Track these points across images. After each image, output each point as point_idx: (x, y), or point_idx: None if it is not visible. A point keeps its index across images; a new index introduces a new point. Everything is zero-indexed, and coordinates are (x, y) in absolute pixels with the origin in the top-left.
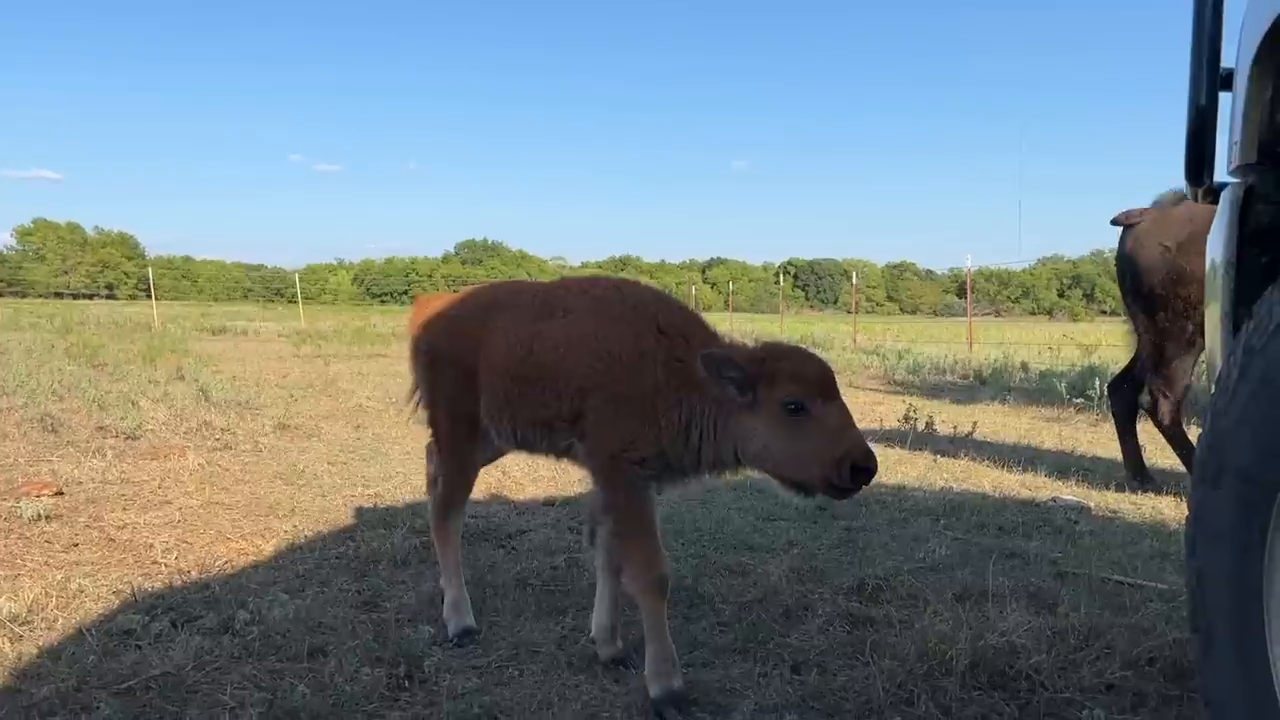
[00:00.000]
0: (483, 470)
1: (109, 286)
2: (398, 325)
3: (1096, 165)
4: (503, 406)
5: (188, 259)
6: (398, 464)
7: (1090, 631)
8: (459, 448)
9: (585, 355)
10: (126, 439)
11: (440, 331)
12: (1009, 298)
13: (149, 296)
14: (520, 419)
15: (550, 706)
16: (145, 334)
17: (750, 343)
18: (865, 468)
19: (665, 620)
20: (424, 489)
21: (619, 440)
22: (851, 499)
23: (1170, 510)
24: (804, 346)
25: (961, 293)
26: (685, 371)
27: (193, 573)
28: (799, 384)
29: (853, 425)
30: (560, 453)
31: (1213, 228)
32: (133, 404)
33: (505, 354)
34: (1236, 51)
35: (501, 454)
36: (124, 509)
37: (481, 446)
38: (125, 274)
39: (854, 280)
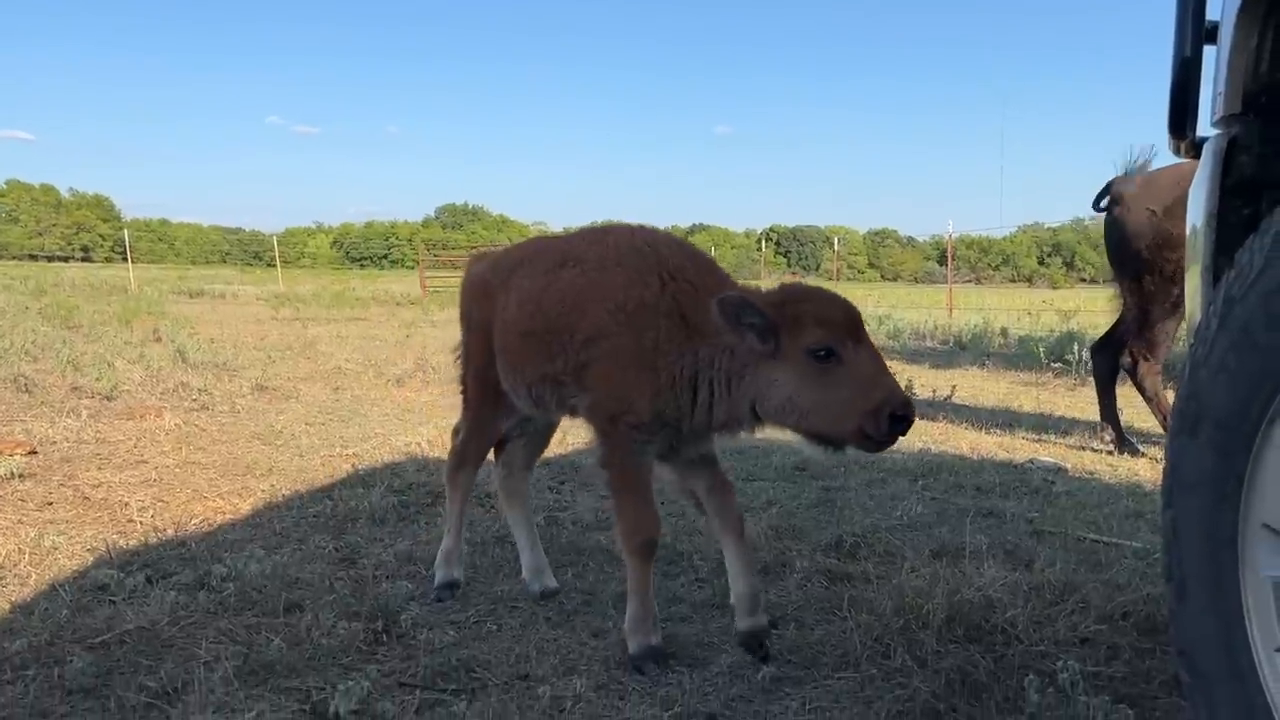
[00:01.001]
0: None
1: (84, 249)
2: (377, 289)
3: (1079, 131)
4: (515, 364)
5: (164, 222)
6: (376, 424)
7: (1065, 587)
8: (482, 409)
9: (590, 305)
10: (102, 399)
11: (471, 296)
12: (990, 265)
13: (125, 259)
14: (531, 375)
15: (528, 660)
16: (121, 296)
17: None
18: (904, 416)
19: (650, 580)
20: (402, 449)
21: (618, 400)
22: (832, 460)
23: (1146, 471)
24: (824, 287)
25: (942, 259)
26: (691, 322)
27: (169, 531)
28: (826, 328)
29: (886, 370)
30: (572, 411)
31: (1194, 181)
32: (108, 365)
33: (517, 310)
34: (1222, 1)
35: (528, 420)
36: (99, 468)
37: (506, 412)
38: (101, 236)
39: (835, 247)
